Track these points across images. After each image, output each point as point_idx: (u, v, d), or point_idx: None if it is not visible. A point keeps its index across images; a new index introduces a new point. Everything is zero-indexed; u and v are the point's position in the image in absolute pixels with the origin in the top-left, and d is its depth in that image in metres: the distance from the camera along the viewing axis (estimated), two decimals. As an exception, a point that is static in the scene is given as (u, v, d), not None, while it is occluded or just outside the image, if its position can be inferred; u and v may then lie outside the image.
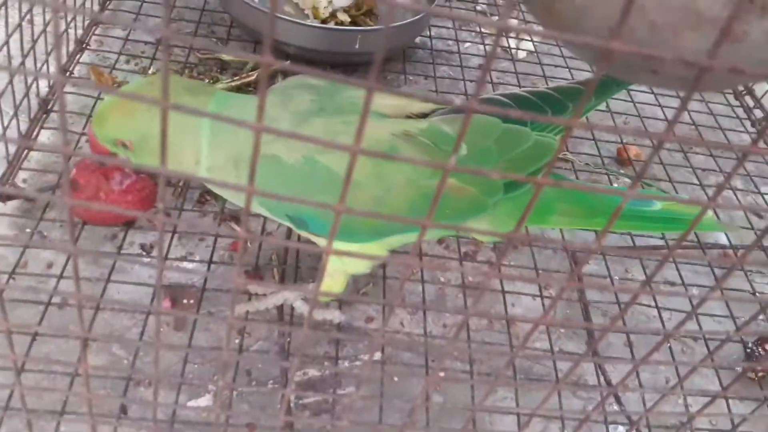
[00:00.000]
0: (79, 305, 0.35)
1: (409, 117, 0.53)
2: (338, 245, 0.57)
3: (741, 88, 0.99)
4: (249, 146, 0.51)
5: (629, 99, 0.96)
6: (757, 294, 0.71)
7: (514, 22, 1.05)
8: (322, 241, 0.56)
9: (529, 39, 1.06)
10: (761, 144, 0.72)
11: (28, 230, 0.67)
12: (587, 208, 0.56)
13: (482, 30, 1.06)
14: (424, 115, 0.54)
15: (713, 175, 0.89)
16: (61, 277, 0.61)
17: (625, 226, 0.60)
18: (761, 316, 0.71)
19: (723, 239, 0.80)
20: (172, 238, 0.67)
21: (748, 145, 0.28)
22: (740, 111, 0.97)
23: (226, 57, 0.90)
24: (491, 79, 0.98)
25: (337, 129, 0.51)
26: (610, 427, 0.59)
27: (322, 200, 0.51)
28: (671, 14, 0.28)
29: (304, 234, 0.56)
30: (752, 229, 0.80)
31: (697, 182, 0.85)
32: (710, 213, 0.70)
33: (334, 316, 0.62)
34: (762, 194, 0.87)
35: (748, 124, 0.96)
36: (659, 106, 0.95)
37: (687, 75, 0.31)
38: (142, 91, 0.54)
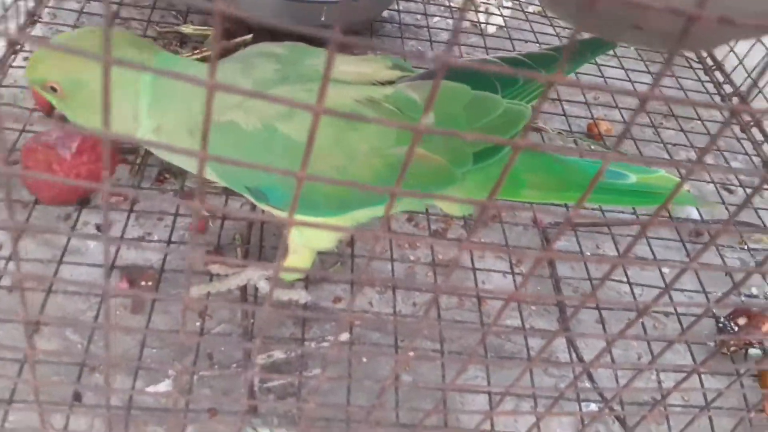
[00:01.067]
0: (21, 288, 0.33)
1: (373, 84, 0.51)
2: (303, 220, 0.55)
3: (711, 63, 0.99)
4: (203, 111, 0.49)
5: (599, 74, 0.95)
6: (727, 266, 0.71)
7: (497, 19, 1.03)
8: (284, 215, 0.54)
9: (499, 14, 1.04)
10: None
11: (-26, 210, 0.64)
12: (559, 181, 0.54)
13: (451, 4, 1.03)
14: (390, 83, 0.51)
15: (683, 150, 0.88)
16: (9, 259, 0.58)
17: (598, 199, 0.58)
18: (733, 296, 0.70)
19: (695, 214, 0.80)
20: (128, 217, 0.64)
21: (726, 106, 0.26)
22: (710, 86, 0.96)
23: (185, 30, 0.86)
24: (461, 55, 0.96)
25: (300, 97, 0.48)
26: (583, 404, 0.58)
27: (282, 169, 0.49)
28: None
29: (265, 208, 0.53)
30: (723, 203, 0.80)
31: (668, 157, 0.84)
32: (685, 187, 0.68)
33: (300, 295, 0.60)
34: (733, 169, 0.86)
35: (717, 99, 0.95)
36: (629, 81, 0.94)
37: (673, 29, 0.29)
38: (83, 38, 0.51)
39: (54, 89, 0.49)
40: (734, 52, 0.93)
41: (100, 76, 0.50)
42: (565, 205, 0.65)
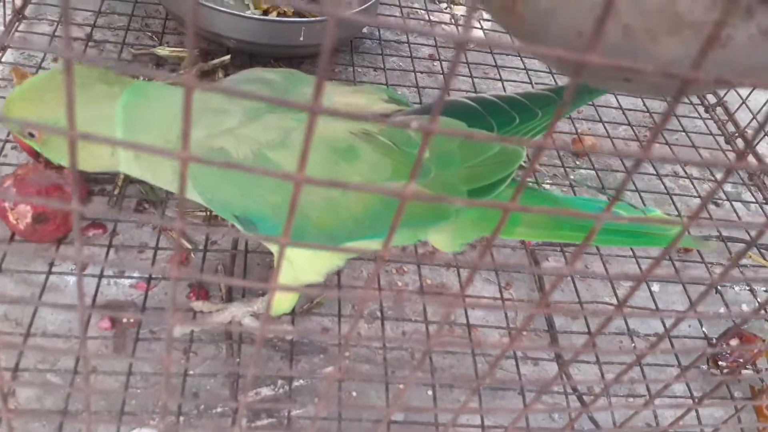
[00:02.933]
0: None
1: None
2: (290, 252, 0.53)
3: (714, 99, 0.96)
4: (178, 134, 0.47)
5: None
6: (719, 288, 0.70)
7: (477, 33, 1.02)
8: (273, 245, 0.52)
9: (480, 27, 1.03)
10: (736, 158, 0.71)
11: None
12: (552, 221, 0.54)
13: (431, 19, 1.02)
14: (385, 116, 0.50)
15: (669, 164, 0.88)
16: (-16, 301, 0.56)
17: (594, 241, 0.58)
18: (722, 310, 0.70)
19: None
20: (108, 251, 0.63)
21: (730, 163, 0.25)
22: (711, 123, 0.95)
23: (161, 52, 0.85)
24: (442, 69, 0.95)
25: (290, 125, 0.47)
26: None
27: (272, 199, 0.48)
28: (647, 18, 0.25)
29: (252, 237, 0.52)
30: (710, 218, 0.79)
31: (654, 171, 0.83)
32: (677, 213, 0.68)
33: (287, 331, 0.59)
34: (718, 181, 0.86)
35: (701, 109, 0.95)
36: (612, 93, 0.93)
37: (662, 83, 0.28)
38: (52, 81, 0.51)
39: (32, 134, 0.50)
40: (736, 91, 0.92)
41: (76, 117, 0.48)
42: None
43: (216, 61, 0.84)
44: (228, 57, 0.83)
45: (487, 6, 0.33)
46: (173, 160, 0.48)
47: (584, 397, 0.59)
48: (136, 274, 0.63)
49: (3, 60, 0.79)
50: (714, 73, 0.22)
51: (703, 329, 0.68)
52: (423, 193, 0.25)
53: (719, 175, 0.88)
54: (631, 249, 0.73)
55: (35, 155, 0.56)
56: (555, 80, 0.95)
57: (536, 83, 0.93)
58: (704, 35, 0.25)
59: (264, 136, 0.47)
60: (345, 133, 0.48)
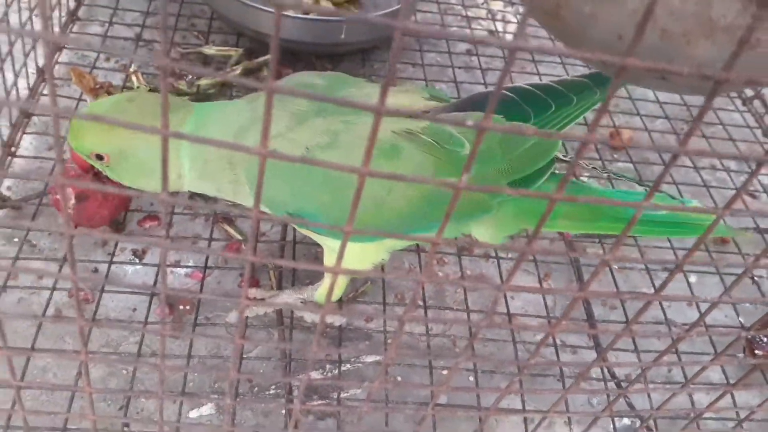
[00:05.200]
0: (81, 332, 0.34)
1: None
2: (337, 245, 0.56)
3: (751, 93, 0.96)
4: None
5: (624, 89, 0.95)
6: (755, 278, 0.71)
7: (513, 27, 1.03)
8: (323, 238, 0.55)
9: (516, 21, 1.05)
10: None
11: (16, 240, 0.65)
12: (592, 213, 0.55)
13: (468, 14, 1.04)
14: (425, 112, 0.52)
15: (712, 171, 0.88)
16: (54, 289, 0.60)
17: (633, 231, 0.59)
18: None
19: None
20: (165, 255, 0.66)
21: (762, 156, 0.27)
22: (749, 116, 0.95)
23: (208, 51, 0.88)
24: (479, 64, 0.96)
25: (337, 128, 0.49)
26: (616, 418, 0.59)
27: (322, 198, 0.51)
28: (683, 22, 0.27)
29: (303, 232, 0.54)
30: (747, 210, 0.80)
31: (691, 164, 0.84)
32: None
33: (335, 318, 0.61)
34: (752, 172, 0.86)
35: (738, 102, 0.96)
36: (655, 99, 0.94)
37: (697, 83, 0.30)
38: (122, 107, 0.52)
39: (100, 157, 0.52)
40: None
41: (146, 146, 0.52)
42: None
43: (261, 59, 0.87)
44: (267, 57, 0.86)
45: (532, 10, 0.35)
46: (233, 173, 0.51)
47: (622, 384, 0.61)
48: (191, 263, 0.66)
49: (60, 60, 0.83)
50: (745, 75, 0.24)
51: (740, 319, 0.69)
52: (475, 185, 0.27)
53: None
54: (669, 240, 0.74)
55: (86, 170, 0.58)
56: (591, 74, 0.96)
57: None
58: (736, 38, 0.27)
59: (313, 138, 0.49)
60: (388, 132, 0.50)
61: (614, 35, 0.30)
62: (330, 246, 0.55)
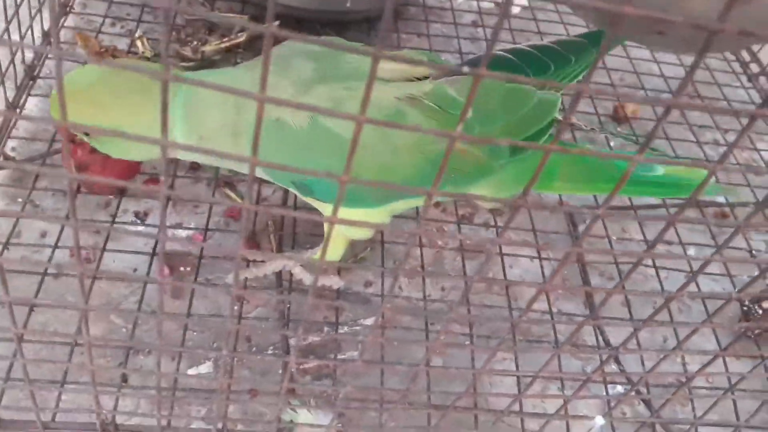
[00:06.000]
0: (82, 281, 0.35)
1: (410, 80, 0.52)
2: (342, 212, 0.56)
3: (757, 69, 0.96)
4: (244, 115, 0.50)
5: (624, 55, 0.94)
6: (754, 252, 0.71)
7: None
8: (326, 208, 0.55)
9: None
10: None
11: (19, 200, 0.66)
12: (590, 173, 0.56)
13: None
14: (425, 78, 0.52)
15: (709, 132, 0.88)
16: (56, 247, 0.60)
17: (627, 191, 0.59)
18: (756, 273, 0.71)
19: (720, 197, 0.80)
20: (166, 205, 0.66)
21: (753, 110, 0.27)
22: (736, 65, 0.96)
23: (213, 18, 0.88)
24: (485, 35, 0.96)
25: (341, 95, 0.49)
26: (609, 386, 0.60)
27: (328, 164, 0.51)
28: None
29: (308, 200, 0.55)
30: (749, 185, 0.80)
31: (694, 139, 0.84)
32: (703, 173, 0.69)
33: (333, 281, 0.62)
34: (758, 150, 0.86)
35: (744, 78, 0.95)
36: (655, 62, 0.94)
37: (693, 37, 0.30)
38: (105, 83, 0.50)
39: (87, 134, 0.52)
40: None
41: (127, 117, 0.51)
42: (594, 197, 0.67)
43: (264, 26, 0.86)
44: (277, 22, 0.86)
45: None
46: (237, 140, 0.51)
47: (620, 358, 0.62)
48: (192, 226, 0.67)
49: (65, 25, 0.83)
50: (738, 26, 0.24)
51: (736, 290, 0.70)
52: (468, 136, 0.27)
53: (759, 144, 0.88)
54: (678, 235, 0.74)
55: (70, 139, 0.58)
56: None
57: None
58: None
59: (318, 104, 0.49)
60: (391, 98, 0.50)
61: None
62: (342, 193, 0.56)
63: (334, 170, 0.51)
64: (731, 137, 0.87)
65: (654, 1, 0.29)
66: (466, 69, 0.25)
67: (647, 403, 0.58)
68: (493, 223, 0.72)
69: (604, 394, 0.59)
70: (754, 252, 0.72)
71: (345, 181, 0.30)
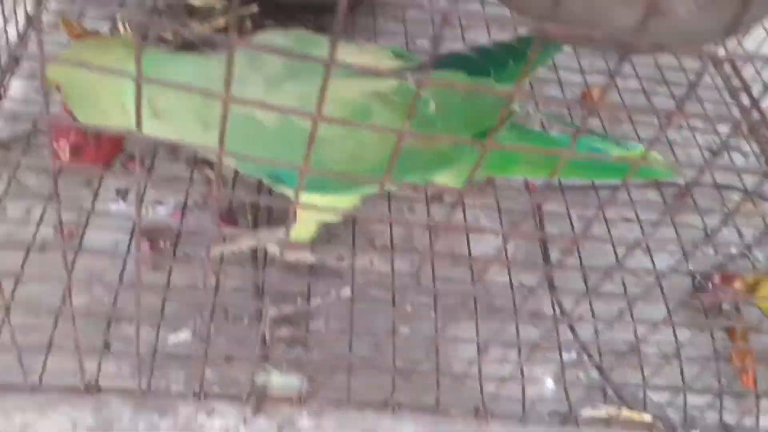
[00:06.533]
0: (65, 256, 0.38)
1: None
2: (313, 198, 0.59)
3: (722, 53, 0.98)
4: (211, 107, 0.52)
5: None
6: (709, 229, 0.75)
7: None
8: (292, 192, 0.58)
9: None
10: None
11: (4, 177, 0.69)
12: (548, 157, 0.59)
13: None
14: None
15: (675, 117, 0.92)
16: (40, 223, 0.63)
17: (584, 175, 0.63)
18: (711, 251, 0.75)
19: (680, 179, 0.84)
20: (145, 182, 0.69)
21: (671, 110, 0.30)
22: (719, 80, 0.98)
23: (194, 1, 0.90)
24: (461, 22, 0.99)
25: (309, 91, 0.52)
26: (564, 353, 0.64)
27: (298, 158, 0.53)
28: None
29: (280, 190, 0.58)
30: (706, 164, 0.83)
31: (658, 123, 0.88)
32: (658, 157, 0.71)
33: (307, 256, 0.65)
34: (719, 134, 0.90)
35: (726, 94, 0.97)
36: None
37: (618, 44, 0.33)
38: (79, 48, 0.59)
39: (58, 88, 0.57)
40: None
41: (87, 76, 0.56)
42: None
43: (243, 9, 0.89)
44: (255, 6, 0.88)
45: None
46: (207, 132, 0.53)
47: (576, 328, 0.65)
48: (171, 203, 0.69)
49: (49, 8, 0.86)
50: (651, 40, 0.28)
51: (690, 267, 0.73)
52: (415, 132, 0.31)
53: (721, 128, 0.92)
54: (631, 198, 0.78)
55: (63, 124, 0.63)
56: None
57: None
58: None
59: (290, 101, 0.51)
60: (358, 94, 0.52)
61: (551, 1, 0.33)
62: (303, 200, 0.59)
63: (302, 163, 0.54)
64: (696, 122, 0.91)
65: (580, 14, 0.32)
66: (410, 78, 0.28)
67: (600, 369, 0.61)
68: (461, 202, 0.76)
69: (560, 361, 0.62)
70: (708, 232, 0.75)
71: (305, 171, 0.33)
